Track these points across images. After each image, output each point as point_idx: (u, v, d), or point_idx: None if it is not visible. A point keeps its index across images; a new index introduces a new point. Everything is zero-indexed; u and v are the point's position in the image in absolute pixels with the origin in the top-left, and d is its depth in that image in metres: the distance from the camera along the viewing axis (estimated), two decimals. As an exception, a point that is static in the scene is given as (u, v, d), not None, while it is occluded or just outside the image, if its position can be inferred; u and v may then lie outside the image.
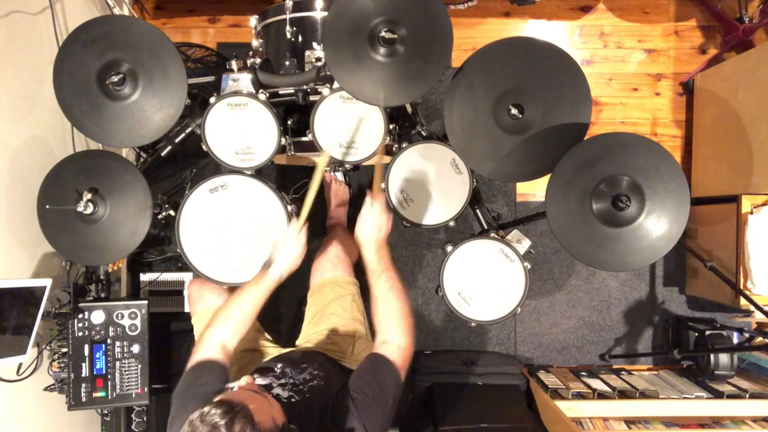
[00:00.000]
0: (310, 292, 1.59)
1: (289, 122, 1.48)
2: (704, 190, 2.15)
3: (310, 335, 1.54)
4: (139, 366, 1.55)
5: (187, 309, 2.08)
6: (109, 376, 1.53)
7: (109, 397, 1.53)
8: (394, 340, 1.15)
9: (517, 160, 1.31)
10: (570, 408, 1.92)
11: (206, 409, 0.87)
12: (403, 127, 1.64)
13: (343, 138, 1.38)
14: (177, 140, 1.51)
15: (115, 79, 1.26)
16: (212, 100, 1.35)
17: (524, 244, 1.45)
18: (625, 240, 1.22)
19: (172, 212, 1.50)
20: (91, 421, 1.83)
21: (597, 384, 2.05)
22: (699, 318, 2.24)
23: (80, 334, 1.51)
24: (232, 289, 1.43)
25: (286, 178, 2.17)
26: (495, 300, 1.40)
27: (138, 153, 1.95)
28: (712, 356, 1.98)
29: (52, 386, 1.53)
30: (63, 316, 1.46)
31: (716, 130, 2.12)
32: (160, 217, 1.51)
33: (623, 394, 2.00)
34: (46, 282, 1.37)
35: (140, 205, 1.35)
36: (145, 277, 2.09)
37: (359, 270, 1.73)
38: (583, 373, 2.17)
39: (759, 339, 2.09)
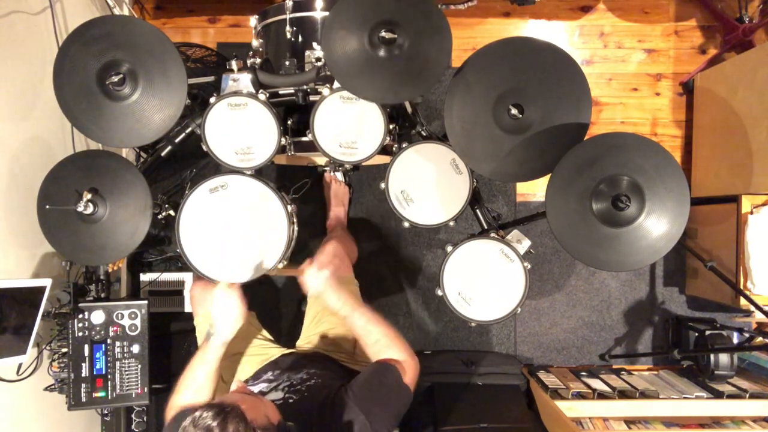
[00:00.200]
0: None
1: (289, 122, 1.48)
2: (704, 190, 2.15)
3: (310, 336, 1.54)
4: (139, 366, 1.55)
5: (187, 309, 2.08)
6: (109, 376, 1.53)
7: (109, 397, 1.53)
8: (396, 358, 1.17)
9: (517, 160, 1.31)
10: (570, 408, 1.92)
11: (198, 413, 0.87)
12: (403, 127, 1.64)
13: (343, 138, 1.37)
14: (177, 140, 1.50)
15: (115, 79, 1.25)
16: (212, 100, 1.35)
17: (524, 244, 1.44)
18: (625, 240, 1.21)
19: (172, 212, 1.50)
20: (91, 421, 1.83)
21: (597, 384, 2.05)
22: (699, 318, 2.24)
23: (80, 334, 1.51)
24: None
25: (286, 178, 2.17)
26: (495, 300, 1.40)
27: (138, 153, 1.95)
28: (712, 356, 1.97)
29: (52, 386, 1.53)
30: (63, 316, 1.46)
31: (716, 130, 2.12)
32: (160, 217, 1.51)
33: (623, 394, 1.99)
34: (46, 282, 1.37)
35: (140, 205, 1.35)
36: (145, 277, 2.09)
37: (359, 270, 1.74)
38: (583, 373, 2.17)
39: (759, 339, 2.09)
